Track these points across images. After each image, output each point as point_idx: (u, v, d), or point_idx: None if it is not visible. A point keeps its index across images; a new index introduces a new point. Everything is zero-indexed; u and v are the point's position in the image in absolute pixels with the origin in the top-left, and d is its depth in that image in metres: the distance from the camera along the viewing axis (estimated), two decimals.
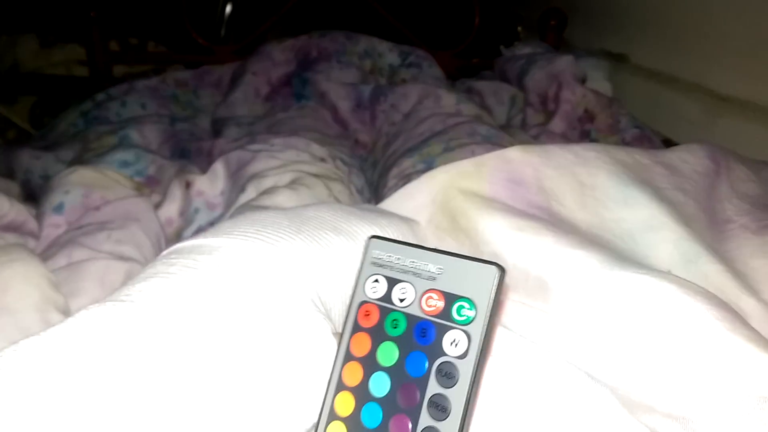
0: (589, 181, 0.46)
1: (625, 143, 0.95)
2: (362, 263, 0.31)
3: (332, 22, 1.28)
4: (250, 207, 0.54)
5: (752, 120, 0.88)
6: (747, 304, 0.38)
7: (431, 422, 0.27)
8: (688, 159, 0.50)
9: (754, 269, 0.42)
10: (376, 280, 0.31)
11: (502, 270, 0.28)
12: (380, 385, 0.29)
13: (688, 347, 0.30)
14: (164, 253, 0.34)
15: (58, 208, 0.54)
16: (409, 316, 0.30)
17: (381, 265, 0.31)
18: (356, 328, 0.30)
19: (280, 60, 1.15)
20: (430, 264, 0.30)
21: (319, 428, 0.29)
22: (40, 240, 0.52)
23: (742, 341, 0.29)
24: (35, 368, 0.23)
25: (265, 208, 0.52)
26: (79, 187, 0.56)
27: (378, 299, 0.30)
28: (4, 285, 0.37)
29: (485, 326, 0.28)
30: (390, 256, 0.31)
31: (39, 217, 0.54)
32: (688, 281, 0.33)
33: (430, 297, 0.29)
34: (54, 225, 0.53)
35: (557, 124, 0.98)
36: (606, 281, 0.34)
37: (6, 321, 0.26)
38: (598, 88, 1.07)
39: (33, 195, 0.76)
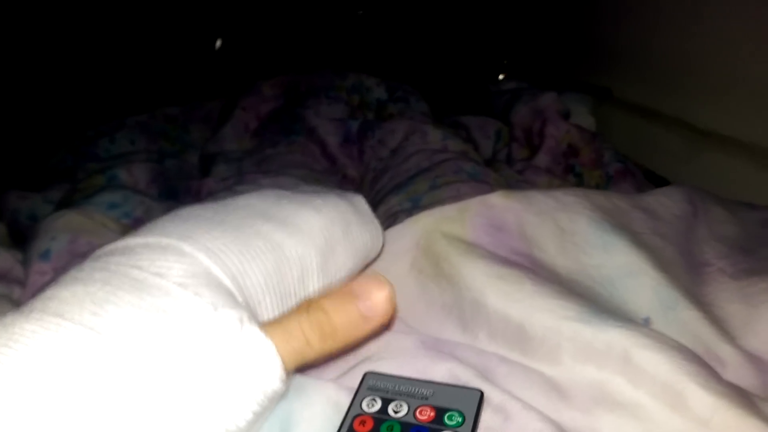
0: (569, 227, 0.47)
1: (608, 177, 0.97)
2: (358, 391, 0.34)
3: (319, 59, 1.30)
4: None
5: (733, 155, 0.89)
6: (723, 351, 0.39)
7: None
8: (666, 202, 0.52)
9: (731, 314, 0.43)
10: (373, 399, 0.33)
11: (482, 393, 0.33)
12: None
13: (657, 395, 0.31)
14: (88, 258, 0.32)
15: (45, 255, 0.55)
16: (403, 423, 0.32)
17: (376, 390, 0.34)
18: (351, 427, 0.32)
19: (268, 95, 1.16)
20: (423, 389, 0.34)
21: None
22: (26, 288, 0.52)
23: (709, 395, 0.29)
24: None
25: None
26: (66, 232, 0.56)
27: (373, 413, 0.32)
28: None
29: (475, 425, 0.31)
30: (385, 384, 0.34)
31: (26, 264, 0.54)
32: (663, 335, 0.34)
33: (423, 410, 0.32)
34: (40, 272, 0.53)
35: (542, 159, 1.00)
36: (583, 333, 0.34)
37: None
38: (581, 122, 1.09)
39: (20, 235, 0.76)
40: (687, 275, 0.46)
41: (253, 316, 0.30)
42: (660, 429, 0.31)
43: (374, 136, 1.01)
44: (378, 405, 0.33)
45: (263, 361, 0.28)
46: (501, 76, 1.34)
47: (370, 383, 0.35)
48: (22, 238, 0.71)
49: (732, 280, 0.45)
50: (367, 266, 0.44)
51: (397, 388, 0.34)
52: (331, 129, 1.04)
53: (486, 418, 0.32)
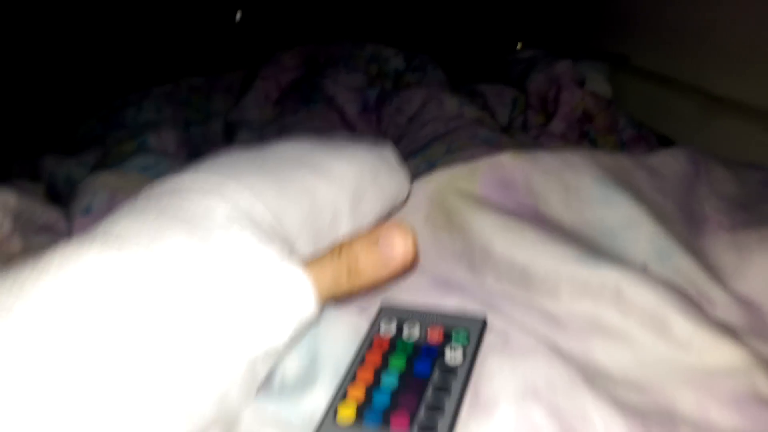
0: (574, 183, 0.50)
1: (622, 143, 0.99)
2: (376, 317, 0.39)
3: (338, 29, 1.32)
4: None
5: (746, 121, 0.91)
6: (715, 293, 0.42)
7: (435, 400, 0.32)
8: (669, 162, 0.54)
9: (725, 263, 0.45)
10: (389, 323, 0.38)
11: (485, 320, 0.37)
12: (391, 381, 0.34)
13: (645, 324, 0.34)
14: (138, 193, 0.36)
15: (86, 210, 0.59)
16: (417, 342, 0.36)
17: (392, 316, 0.39)
18: (370, 347, 0.36)
19: (289, 65, 1.19)
20: (432, 317, 0.38)
21: (328, 411, 0.33)
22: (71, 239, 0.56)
23: (690, 323, 0.33)
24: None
25: None
26: (105, 190, 0.61)
27: (389, 335, 0.37)
28: None
29: (477, 345, 0.35)
30: (400, 313, 0.39)
31: (69, 219, 0.59)
32: (653, 275, 0.37)
33: (434, 330, 0.37)
34: (83, 226, 0.58)
35: (557, 125, 1.02)
36: (580, 273, 0.38)
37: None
38: (597, 89, 1.11)
39: (57, 197, 0.81)
40: (685, 228, 0.49)
41: (291, 252, 0.33)
42: (646, 352, 0.35)
43: (392, 104, 1.04)
44: (393, 327, 0.37)
45: (300, 292, 0.31)
46: (518, 45, 1.35)
47: (387, 310, 0.39)
48: (58, 199, 0.76)
49: (727, 233, 0.48)
50: (393, 211, 0.47)
51: (410, 315, 0.38)
52: (350, 98, 1.06)
53: (488, 339, 0.36)
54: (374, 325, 0.38)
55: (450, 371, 0.33)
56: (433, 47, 1.28)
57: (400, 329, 0.37)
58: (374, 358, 0.35)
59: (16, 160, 0.94)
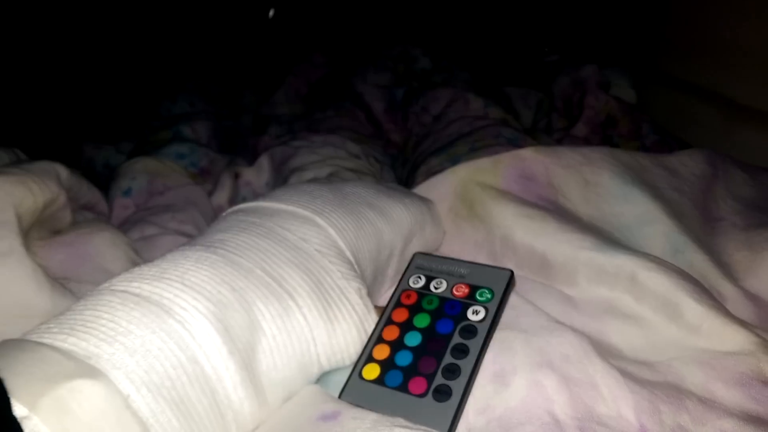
0: (593, 179, 0.51)
1: (645, 149, 1.00)
2: (407, 268, 0.41)
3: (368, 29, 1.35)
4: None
5: None
6: (725, 288, 0.43)
7: (453, 360, 0.34)
8: (688, 162, 0.56)
9: (737, 261, 0.47)
10: (419, 277, 0.40)
11: (512, 273, 0.39)
12: (413, 339, 0.36)
13: (658, 308, 0.36)
14: (229, 211, 0.41)
15: (127, 192, 0.62)
16: (441, 297, 0.38)
17: (422, 268, 0.41)
18: (398, 304, 0.39)
19: (318, 63, 1.22)
20: (461, 268, 0.40)
21: (355, 369, 0.35)
22: (111, 219, 0.60)
23: (701, 308, 0.35)
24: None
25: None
26: (144, 174, 0.64)
27: (418, 288, 0.40)
28: (96, 249, 0.45)
29: (499, 304, 0.37)
30: (430, 264, 0.41)
31: (109, 200, 0.62)
32: (668, 262, 0.39)
33: (459, 286, 0.39)
34: (123, 206, 0.61)
35: (580, 129, 1.03)
36: (597, 259, 0.40)
37: (105, 278, 0.33)
38: (621, 95, 1.12)
39: (94, 182, 0.84)
40: (700, 226, 0.50)
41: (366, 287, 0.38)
42: (658, 335, 0.37)
43: (418, 103, 1.06)
44: (422, 282, 0.40)
45: (368, 327, 0.37)
46: (545, 49, 1.36)
47: (418, 262, 0.42)
48: (96, 183, 0.79)
49: (741, 232, 0.49)
50: None
51: (439, 267, 0.41)
52: (377, 95, 1.09)
53: (507, 315, 0.38)
54: (405, 277, 0.41)
55: (470, 331, 0.35)
56: (460, 48, 1.30)
57: (427, 284, 0.40)
58: (400, 316, 0.38)
59: (56, 146, 0.98)
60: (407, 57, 1.22)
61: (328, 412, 0.31)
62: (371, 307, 0.38)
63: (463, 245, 0.49)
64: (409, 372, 0.34)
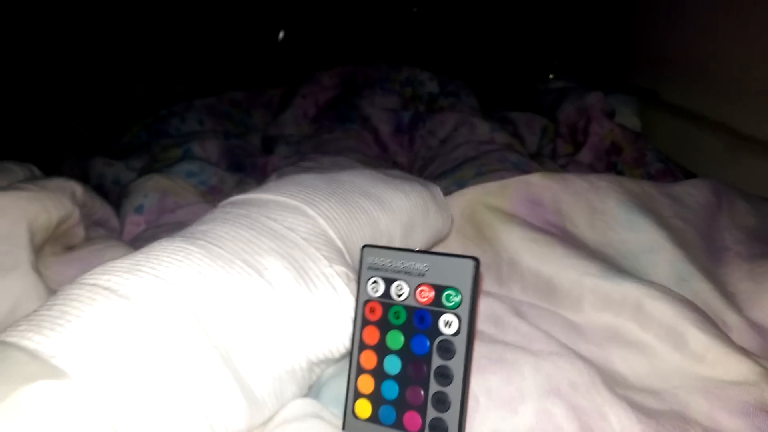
0: (600, 206, 0.52)
1: (649, 176, 1.00)
2: (360, 268, 0.37)
3: (375, 52, 1.37)
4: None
5: None
6: (730, 318, 0.44)
7: (439, 388, 0.34)
8: (692, 192, 0.56)
9: (742, 291, 0.47)
10: (375, 281, 0.37)
11: (477, 261, 0.34)
12: (393, 365, 0.35)
13: (663, 337, 0.36)
14: (221, 204, 0.41)
15: (139, 209, 0.63)
16: (407, 308, 0.36)
17: (377, 269, 0.37)
18: (365, 323, 0.36)
19: (327, 85, 1.24)
20: (418, 263, 0.36)
21: (347, 406, 0.35)
22: (122, 235, 0.61)
23: (706, 337, 0.35)
24: None
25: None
26: (156, 192, 0.65)
27: (379, 297, 0.36)
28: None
29: (471, 308, 0.34)
30: (383, 260, 0.37)
31: (121, 216, 0.63)
32: (673, 291, 0.40)
33: (423, 290, 0.35)
34: (135, 223, 0.62)
35: (585, 155, 1.04)
36: (603, 286, 0.40)
37: None
38: (626, 123, 1.13)
39: (104, 197, 0.85)
40: (705, 256, 0.51)
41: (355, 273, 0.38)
42: (663, 363, 0.37)
43: (425, 126, 1.08)
44: (382, 288, 0.36)
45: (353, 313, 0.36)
46: (550, 76, 1.38)
47: (370, 261, 0.37)
48: (105, 199, 0.80)
49: (746, 262, 0.50)
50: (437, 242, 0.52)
51: (395, 265, 0.36)
52: (384, 118, 1.10)
53: (514, 339, 0.38)
54: (360, 279, 0.37)
55: (448, 349, 0.34)
56: (467, 74, 1.31)
57: (388, 290, 0.36)
58: (372, 338, 0.36)
59: (66, 161, 0.99)
60: (415, 81, 1.24)
61: None
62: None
63: None
64: (401, 406, 0.34)
